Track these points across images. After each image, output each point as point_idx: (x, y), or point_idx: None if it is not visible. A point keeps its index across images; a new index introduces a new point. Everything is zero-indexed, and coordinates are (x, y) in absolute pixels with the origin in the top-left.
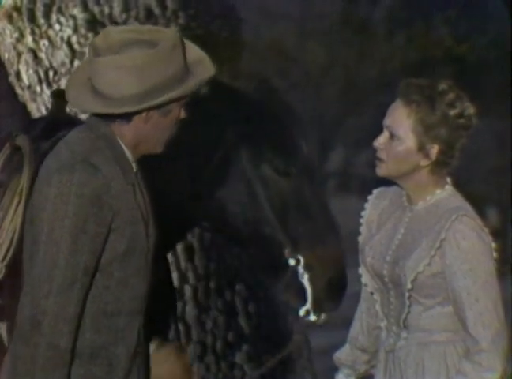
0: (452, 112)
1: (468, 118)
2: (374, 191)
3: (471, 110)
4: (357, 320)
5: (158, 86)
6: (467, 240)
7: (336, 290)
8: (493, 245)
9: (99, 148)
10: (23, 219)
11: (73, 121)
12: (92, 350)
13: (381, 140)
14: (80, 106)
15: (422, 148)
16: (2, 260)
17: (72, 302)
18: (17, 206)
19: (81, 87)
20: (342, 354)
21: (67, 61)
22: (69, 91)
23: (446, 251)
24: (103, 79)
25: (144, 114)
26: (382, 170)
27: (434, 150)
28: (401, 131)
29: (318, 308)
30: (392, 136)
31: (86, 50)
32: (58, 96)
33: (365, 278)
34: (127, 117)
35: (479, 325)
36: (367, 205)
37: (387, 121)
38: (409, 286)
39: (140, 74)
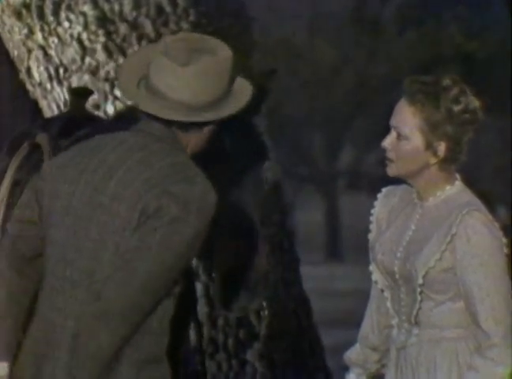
0: (457, 108)
1: (473, 113)
2: (384, 189)
3: (476, 103)
4: (367, 318)
5: (228, 94)
6: (478, 234)
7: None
8: (504, 240)
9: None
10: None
11: (92, 119)
12: (163, 354)
13: (389, 141)
14: (158, 113)
15: (429, 146)
16: None
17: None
18: None
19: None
20: (353, 354)
21: (78, 58)
22: (141, 99)
23: (457, 246)
24: (183, 86)
25: (212, 125)
26: (392, 170)
27: (442, 147)
28: (408, 130)
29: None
30: (399, 135)
31: (97, 47)
32: (76, 94)
33: (375, 275)
34: (200, 126)
35: (490, 320)
36: (376, 203)
37: (394, 121)
38: (420, 281)
39: (218, 81)
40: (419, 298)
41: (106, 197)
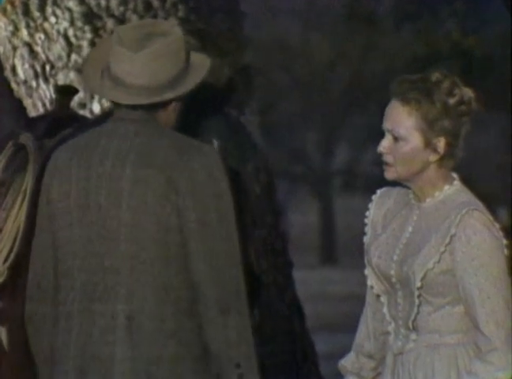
0: (452, 100)
1: (468, 104)
2: (378, 191)
3: (470, 94)
4: (362, 325)
5: (185, 72)
6: (478, 235)
7: None
8: (504, 241)
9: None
10: (26, 220)
11: (76, 118)
12: None
13: (385, 145)
14: (122, 100)
15: (429, 144)
16: (4, 261)
17: None
18: (21, 205)
19: (105, 81)
20: (348, 362)
21: (64, 54)
22: (98, 82)
23: (456, 247)
24: (140, 71)
25: (175, 103)
26: (391, 174)
27: (442, 143)
28: (405, 131)
29: None
30: (396, 138)
31: (83, 43)
32: (61, 92)
33: (371, 279)
34: (163, 105)
35: (491, 323)
36: (370, 205)
37: (387, 124)
38: (418, 284)
39: (173, 60)
40: (417, 301)
41: (127, 183)
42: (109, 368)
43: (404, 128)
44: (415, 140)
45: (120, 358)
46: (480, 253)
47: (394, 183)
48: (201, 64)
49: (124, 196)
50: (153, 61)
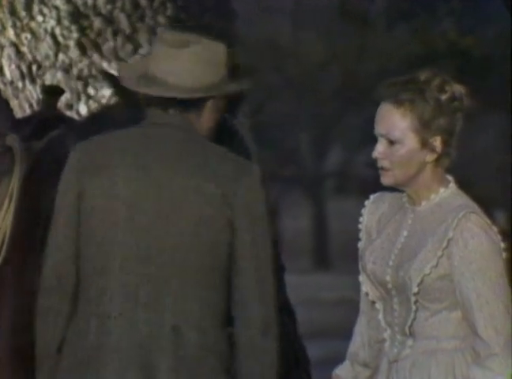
0: (444, 97)
1: (460, 99)
2: (371, 196)
3: (461, 89)
4: (357, 334)
5: (226, 80)
6: (475, 239)
7: None
8: (502, 245)
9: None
10: (13, 221)
11: (63, 119)
12: None
13: (380, 149)
14: (161, 92)
15: (425, 144)
16: None
17: None
18: (8, 207)
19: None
20: (342, 371)
21: (51, 54)
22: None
23: (454, 251)
24: (182, 70)
25: (214, 103)
26: (388, 179)
27: (438, 142)
28: (400, 134)
29: None
30: (391, 141)
31: (70, 43)
32: (48, 92)
33: (366, 286)
34: (200, 105)
35: (490, 329)
36: (364, 211)
37: (380, 129)
38: (415, 289)
39: (215, 67)
40: (413, 307)
41: (184, 192)
42: (153, 376)
43: (399, 130)
44: (411, 141)
45: (165, 367)
46: (477, 257)
47: (389, 186)
48: (242, 78)
49: (179, 204)
50: (195, 62)
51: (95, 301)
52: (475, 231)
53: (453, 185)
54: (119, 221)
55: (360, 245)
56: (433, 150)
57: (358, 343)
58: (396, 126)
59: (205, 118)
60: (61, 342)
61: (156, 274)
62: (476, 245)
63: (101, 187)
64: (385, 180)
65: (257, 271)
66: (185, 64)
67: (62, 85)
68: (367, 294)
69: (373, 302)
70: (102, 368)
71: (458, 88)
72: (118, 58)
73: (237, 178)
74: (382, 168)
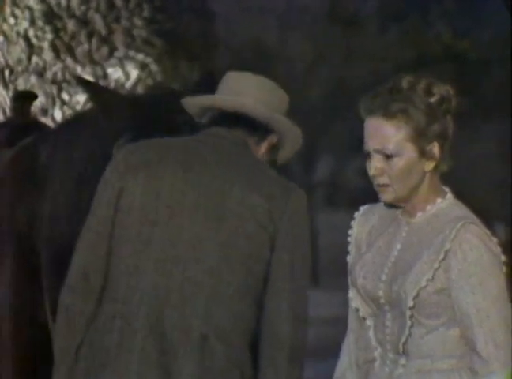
0: (433, 100)
1: (449, 100)
2: (361, 207)
3: (449, 90)
4: (344, 354)
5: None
6: (475, 251)
7: None
8: (503, 258)
9: None
10: None
11: (37, 126)
12: None
13: (377, 166)
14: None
15: (423, 153)
16: None
17: None
18: None
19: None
20: None
21: (24, 57)
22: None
23: (452, 264)
24: (251, 91)
25: (273, 140)
26: (389, 196)
27: (436, 148)
28: (397, 146)
29: None
30: (387, 156)
31: (44, 45)
32: (21, 98)
33: (356, 301)
34: (264, 134)
35: (490, 345)
36: (353, 223)
37: (373, 144)
38: (411, 304)
39: (279, 99)
40: (409, 323)
41: (233, 202)
42: None
43: (395, 143)
44: (409, 152)
45: (187, 375)
46: (477, 270)
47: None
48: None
49: (227, 214)
50: (264, 89)
51: (122, 300)
52: (474, 243)
53: (450, 196)
54: (157, 220)
55: (349, 258)
56: (431, 157)
57: (345, 363)
58: (391, 139)
59: (262, 149)
60: (81, 342)
61: (189, 279)
62: (476, 257)
63: (142, 185)
64: (386, 197)
65: (292, 293)
66: (260, 91)
67: (36, 89)
68: (356, 310)
69: (363, 319)
70: (122, 369)
71: (445, 89)
72: (93, 62)
73: (285, 199)
74: (381, 185)
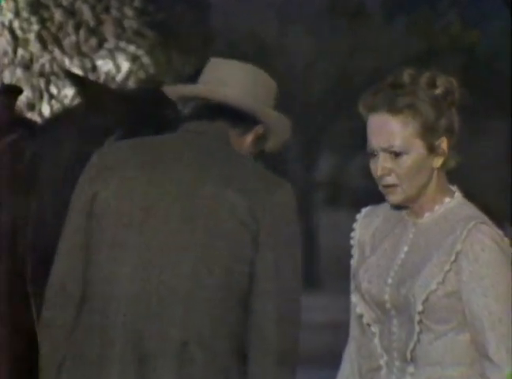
0: (437, 92)
1: (452, 92)
2: (363, 209)
3: (453, 82)
4: (346, 363)
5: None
6: (487, 252)
7: None
8: None
9: None
10: None
11: (23, 122)
12: None
13: (384, 165)
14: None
15: (432, 148)
16: None
17: None
18: None
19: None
20: None
21: (9, 49)
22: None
23: (463, 265)
24: (236, 81)
25: (260, 132)
26: (397, 197)
27: (445, 143)
28: (405, 143)
29: None
30: (395, 154)
31: (30, 36)
32: (5, 93)
33: (360, 307)
34: (249, 125)
35: (502, 349)
36: (355, 226)
37: (380, 142)
38: (420, 308)
39: (267, 89)
40: (417, 328)
41: (207, 200)
42: None
43: (403, 140)
44: (418, 149)
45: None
46: (489, 272)
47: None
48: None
49: (201, 212)
50: (250, 77)
51: (99, 310)
52: (486, 244)
53: (458, 195)
54: (131, 224)
55: (353, 262)
56: (440, 153)
57: (347, 372)
58: (398, 136)
59: (248, 140)
60: (64, 355)
61: (165, 284)
62: (488, 258)
63: (115, 188)
64: (394, 198)
65: (278, 294)
66: (246, 80)
67: (23, 83)
68: (360, 316)
69: (368, 325)
70: None
71: (449, 80)
72: (81, 54)
73: (268, 194)
74: (389, 185)
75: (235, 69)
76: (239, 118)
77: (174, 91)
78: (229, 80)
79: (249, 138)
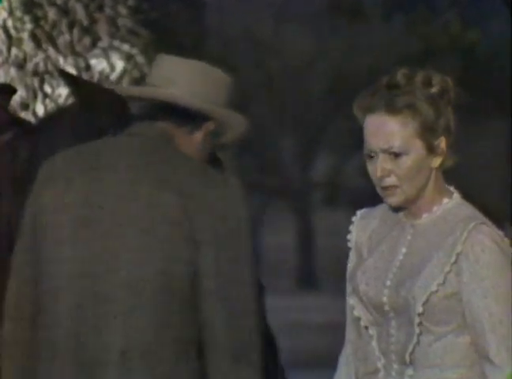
0: (434, 91)
1: (448, 93)
2: (358, 212)
3: (448, 81)
4: (342, 366)
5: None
6: (487, 253)
7: None
8: None
9: None
10: None
11: (16, 122)
12: None
13: (384, 166)
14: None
15: (431, 148)
16: None
17: None
18: None
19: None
20: None
21: (4, 49)
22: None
23: (463, 267)
24: (182, 79)
25: (211, 128)
26: (397, 198)
27: (443, 143)
28: (405, 144)
29: None
30: (395, 155)
31: (24, 35)
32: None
33: (358, 310)
34: (198, 123)
35: (503, 351)
36: (352, 228)
37: (378, 143)
38: (420, 310)
39: (216, 87)
40: (417, 330)
41: (139, 203)
42: None
43: (402, 140)
44: (418, 148)
45: None
46: (489, 273)
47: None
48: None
49: (133, 217)
50: (197, 74)
51: (45, 325)
52: (486, 244)
53: (457, 196)
54: (69, 236)
55: (350, 265)
56: (439, 153)
57: (344, 375)
58: (397, 136)
59: (198, 137)
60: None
61: (100, 294)
62: (488, 259)
63: (52, 201)
64: (394, 199)
65: (223, 290)
66: (194, 79)
67: (16, 82)
68: (358, 319)
69: (365, 328)
70: None
71: (444, 79)
72: (75, 53)
73: (204, 192)
74: (388, 187)
75: (183, 67)
76: (187, 116)
77: (123, 91)
78: (176, 79)
79: (199, 135)
